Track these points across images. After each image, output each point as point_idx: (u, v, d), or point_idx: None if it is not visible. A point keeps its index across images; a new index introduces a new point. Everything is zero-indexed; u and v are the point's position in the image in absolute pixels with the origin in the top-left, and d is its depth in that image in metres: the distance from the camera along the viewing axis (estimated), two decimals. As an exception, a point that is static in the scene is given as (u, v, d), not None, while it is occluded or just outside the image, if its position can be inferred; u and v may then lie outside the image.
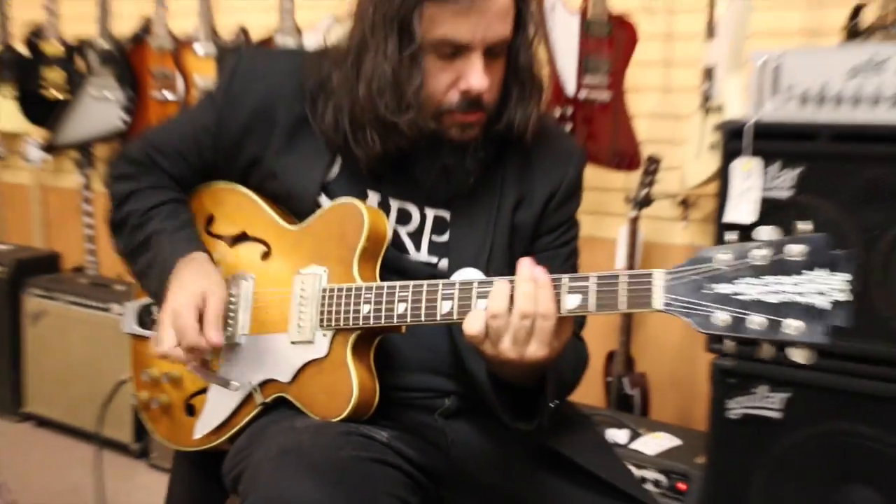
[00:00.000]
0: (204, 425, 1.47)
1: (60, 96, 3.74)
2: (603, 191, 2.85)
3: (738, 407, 1.96)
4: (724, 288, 1.05)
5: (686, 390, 2.85)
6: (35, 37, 3.82)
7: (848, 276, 0.99)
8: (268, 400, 1.40)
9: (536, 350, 1.17)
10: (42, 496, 2.97)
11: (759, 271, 1.03)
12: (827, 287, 0.99)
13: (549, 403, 1.29)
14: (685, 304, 1.08)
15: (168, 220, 1.49)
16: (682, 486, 2.09)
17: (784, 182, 1.92)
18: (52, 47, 3.77)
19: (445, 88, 1.33)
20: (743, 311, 1.04)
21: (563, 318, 1.18)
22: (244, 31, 3.44)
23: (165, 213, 1.50)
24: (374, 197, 1.45)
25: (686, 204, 2.76)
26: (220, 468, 1.39)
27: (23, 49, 3.87)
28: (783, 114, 1.95)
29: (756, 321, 1.03)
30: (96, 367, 3.18)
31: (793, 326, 1.01)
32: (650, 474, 2.12)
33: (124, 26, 3.73)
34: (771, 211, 1.92)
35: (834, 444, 1.89)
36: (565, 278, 1.17)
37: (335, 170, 1.45)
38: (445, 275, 1.43)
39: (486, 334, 1.18)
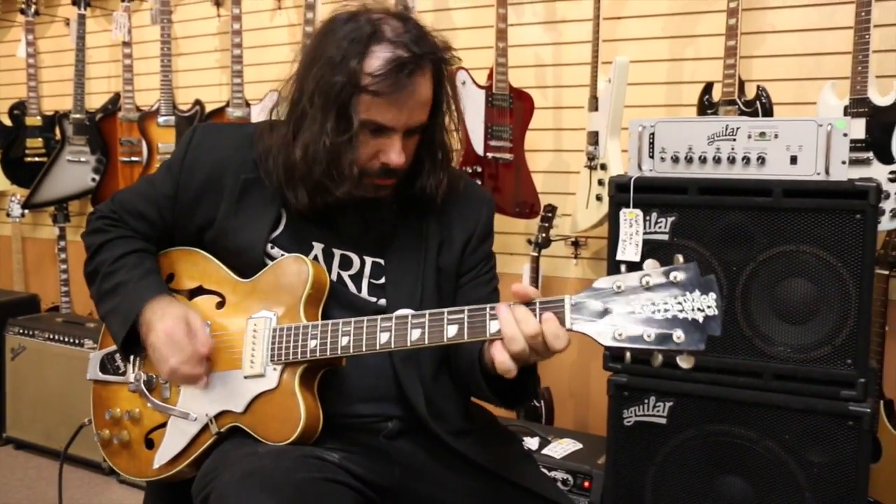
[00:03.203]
0: (162, 456, 1.36)
1: (39, 160, 3.58)
2: (508, 234, 2.79)
3: (631, 416, 1.90)
4: (621, 308, 1.07)
5: (582, 401, 2.79)
6: (17, 110, 3.67)
7: (715, 296, 1.04)
8: (222, 430, 1.31)
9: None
10: (21, 513, 2.74)
11: (649, 294, 1.06)
12: (700, 304, 1.04)
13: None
14: (591, 323, 1.08)
15: (134, 269, 1.38)
16: (586, 484, 2.02)
17: (661, 227, 1.88)
18: (33, 119, 3.63)
19: (367, 158, 1.30)
20: (639, 327, 1.05)
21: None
22: (200, 104, 3.32)
23: (132, 263, 1.39)
24: (318, 246, 1.38)
25: (577, 245, 2.73)
26: (189, 491, 1.28)
27: (6, 120, 3.71)
28: (658, 171, 1.92)
29: (649, 333, 1.05)
30: (70, 396, 2.96)
31: (677, 336, 1.04)
32: (559, 475, 2.05)
33: (96, 101, 3.59)
34: (653, 251, 1.87)
35: (710, 443, 1.84)
36: (487, 307, 1.14)
37: (282, 225, 1.38)
38: (386, 312, 1.35)
39: (517, 362, 1.13)
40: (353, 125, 1.26)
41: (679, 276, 1.04)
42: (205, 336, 1.30)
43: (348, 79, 1.24)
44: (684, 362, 1.05)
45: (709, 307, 1.03)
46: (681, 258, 1.06)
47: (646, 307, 1.05)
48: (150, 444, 1.38)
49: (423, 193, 1.38)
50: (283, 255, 1.36)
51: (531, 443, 2.17)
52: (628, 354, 1.08)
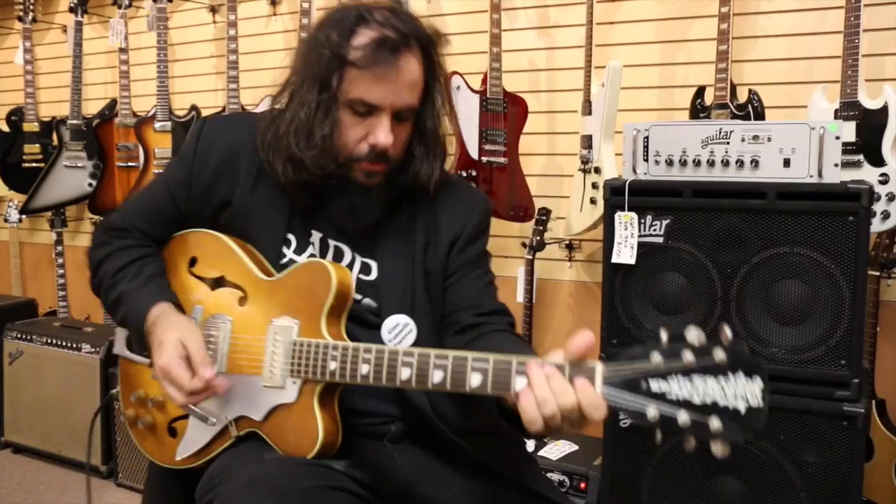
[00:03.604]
0: (185, 449, 1.33)
1: (36, 166, 3.54)
2: (503, 238, 2.77)
3: (627, 417, 1.87)
4: (656, 385, 0.95)
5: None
6: (15, 116, 3.62)
7: (761, 384, 0.92)
8: (241, 433, 1.27)
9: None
10: (19, 517, 2.70)
11: (688, 371, 0.94)
12: (743, 391, 0.92)
13: None
14: (621, 399, 0.97)
15: (134, 279, 1.34)
16: (583, 485, 2.00)
17: (656, 230, 1.86)
18: (30, 125, 3.58)
19: (357, 140, 1.27)
20: (673, 409, 0.94)
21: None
22: (196, 110, 3.29)
23: (132, 272, 1.35)
24: (316, 235, 1.36)
25: (571, 247, 2.70)
26: (189, 491, 1.25)
27: (4, 127, 3.66)
28: (653, 174, 1.90)
29: (683, 418, 0.93)
30: (67, 400, 2.93)
31: (714, 426, 0.92)
32: (556, 476, 2.02)
33: (93, 107, 3.55)
34: (649, 254, 1.86)
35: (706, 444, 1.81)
36: (514, 361, 1.04)
37: (290, 210, 1.36)
38: (374, 310, 1.33)
39: (550, 430, 1.03)
40: (335, 98, 1.25)
41: (723, 355, 0.93)
42: (204, 366, 1.21)
43: (333, 52, 1.23)
44: (718, 449, 0.93)
45: (752, 396, 0.92)
46: (728, 332, 0.94)
47: (684, 388, 0.93)
48: (174, 433, 1.35)
49: (416, 181, 1.34)
50: (292, 239, 1.35)
51: (528, 445, 2.14)
52: (659, 433, 0.97)
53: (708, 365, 0.93)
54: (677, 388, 0.93)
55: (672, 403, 0.94)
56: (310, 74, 1.27)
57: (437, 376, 1.10)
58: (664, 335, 0.96)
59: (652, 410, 0.94)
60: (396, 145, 1.29)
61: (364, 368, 1.16)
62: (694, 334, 0.94)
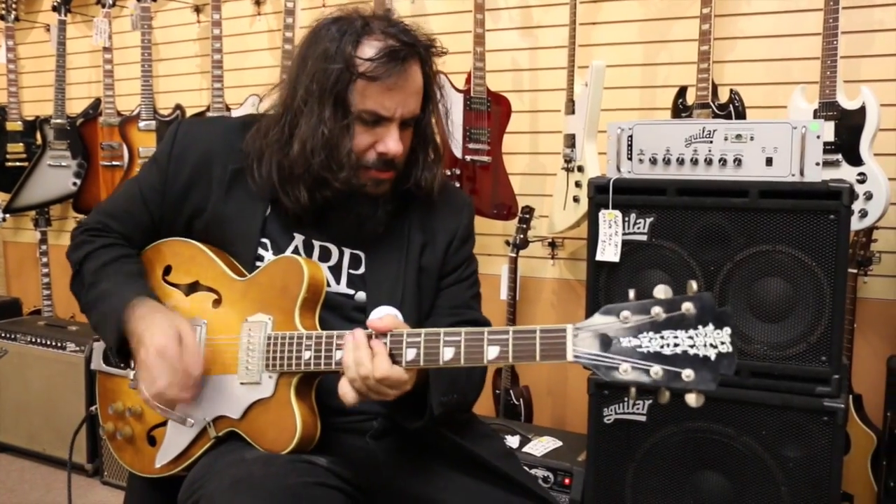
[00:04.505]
0: (164, 456, 1.30)
1: (20, 165, 3.45)
2: (486, 236, 2.73)
3: (611, 413, 1.85)
4: (628, 341, 0.96)
5: (559, 398, 2.74)
6: (-3, 115, 3.55)
7: (730, 331, 0.93)
8: (220, 434, 1.25)
9: (396, 393, 1.13)
10: (3, 517, 2.64)
11: (658, 326, 0.95)
12: (713, 340, 0.93)
13: (436, 401, 1.20)
14: (593, 357, 0.97)
15: (116, 276, 1.31)
16: (567, 481, 1.97)
17: (640, 228, 1.83)
18: (13, 124, 3.49)
19: (364, 149, 1.25)
20: (645, 363, 0.95)
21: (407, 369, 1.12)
22: (180, 109, 3.23)
23: (113, 270, 1.32)
24: (299, 238, 1.33)
25: (554, 245, 2.68)
26: (171, 492, 1.22)
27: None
28: (637, 173, 1.87)
29: (655, 370, 0.94)
30: (52, 399, 2.86)
31: (687, 375, 0.93)
32: (540, 472, 1.99)
33: (77, 106, 3.48)
34: (632, 252, 1.83)
35: (689, 439, 1.79)
36: (486, 332, 1.07)
37: (267, 214, 1.33)
38: (363, 306, 1.32)
39: (359, 396, 1.14)
40: (350, 111, 1.23)
41: (691, 307, 0.93)
42: (197, 354, 1.22)
43: (345, 65, 1.21)
44: (693, 401, 0.93)
45: (722, 343, 0.92)
46: (694, 285, 0.94)
47: (654, 341, 0.94)
48: (153, 441, 1.32)
49: (419, 187, 1.34)
50: (268, 243, 1.32)
51: (512, 441, 2.11)
52: (633, 389, 0.97)
53: (676, 317, 0.94)
54: (647, 342, 0.94)
55: (644, 356, 0.94)
56: (321, 89, 1.23)
57: (410, 354, 1.11)
58: (632, 293, 0.97)
59: (624, 365, 0.95)
60: (403, 152, 1.29)
61: (338, 355, 1.16)
62: (662, 290, 0.95)
